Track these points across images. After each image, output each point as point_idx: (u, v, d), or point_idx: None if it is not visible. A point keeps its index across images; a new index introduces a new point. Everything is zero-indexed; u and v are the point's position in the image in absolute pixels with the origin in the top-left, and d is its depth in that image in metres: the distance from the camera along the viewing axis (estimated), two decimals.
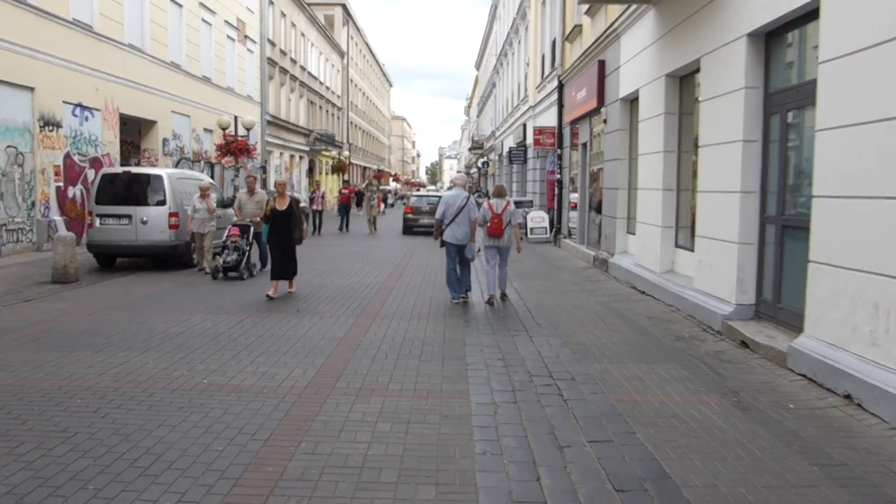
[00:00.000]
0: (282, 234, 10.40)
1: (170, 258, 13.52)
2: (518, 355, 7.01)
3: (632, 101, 13.36)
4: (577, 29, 17.58)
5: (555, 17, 21.59)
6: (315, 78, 44.40)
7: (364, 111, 67.93)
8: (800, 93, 7.01)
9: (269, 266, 12.60)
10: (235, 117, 22.94)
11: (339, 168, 44.07)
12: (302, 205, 25.30)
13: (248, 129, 22.61)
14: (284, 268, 10.51)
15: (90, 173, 16.97)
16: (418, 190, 70.52)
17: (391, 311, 9.36)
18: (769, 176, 7.71)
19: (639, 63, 12.08)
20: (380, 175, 65.98)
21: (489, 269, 10.27)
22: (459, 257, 10.17)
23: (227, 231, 12.70)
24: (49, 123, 15.58)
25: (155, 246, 13.20)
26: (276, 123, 34.59)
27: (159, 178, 13.37)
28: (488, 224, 10.05)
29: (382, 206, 38.21)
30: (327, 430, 4.75)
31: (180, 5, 22.97)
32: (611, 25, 13.70)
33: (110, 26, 18.28)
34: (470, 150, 77.05)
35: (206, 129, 25.09)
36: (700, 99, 9.19)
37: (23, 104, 14.81)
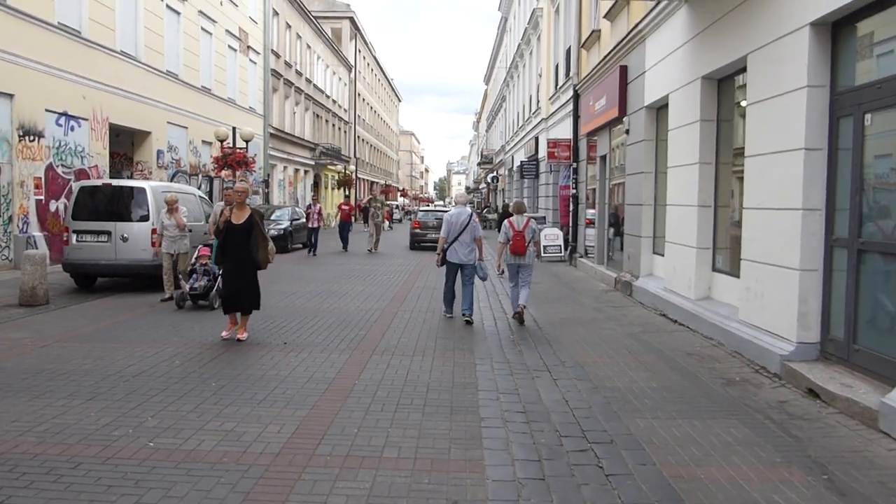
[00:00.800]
0: (237, 255, 8.24)
1: (153, 278, 12.25)
2: (542, 406, 5.81)
3: (658, 109, 12.20)
4: (595, 35, 16.46)
5: (569, 24, 20.50)
6: (321, 91, 43.49)
7: (372, 125, 67.05)
8: (883, 90, 5.82)
9: None
10: (234, 128, 21.89)
11: (344, 182, 42.93)
12: (299, 220, 23.16)
13: (246, 141, 21.54)
14: (237, 298, 8.26)
15: (76, 187, 15.86)
16: (428, 205, 69.50)
17: (392, 344, 8.17)
18: (838, 191, 6.51)
19: (668, 66, 10.92)
20: (387, 190, 64.77)
21: (512, 288, 9.97)
22: (463, 277, 9.94)
23: (196, 251, 11.15)
24: (30, 133, 14.53)
25: (136, 265, 12.05)
26: (280, 136, 33.60)
27: (142, 191, 12.24)
28: (510, 242, 9.68)
29: (387, 223, 36.84)
30: None
31: (178, 13, 22.03)
32: (634, 27, 12.57)
33: (101, 32, 17.28)
34: (479, 164, 75.99)
35: (204, 142, 24.05)
36: (746, 102, 8.00)
37: (0, 112, 13.76)
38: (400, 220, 53.87)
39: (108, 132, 17.72)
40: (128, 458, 4.42)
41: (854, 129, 6.24)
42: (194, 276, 10.72)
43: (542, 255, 19.94)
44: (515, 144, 37.23)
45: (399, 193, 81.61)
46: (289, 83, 35.66)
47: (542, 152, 25.51)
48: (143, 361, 7.03)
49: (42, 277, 10.76)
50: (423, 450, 4.71)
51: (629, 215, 13.43)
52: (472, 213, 10.07)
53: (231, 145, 21.22)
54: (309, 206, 23.16)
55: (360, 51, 56.81)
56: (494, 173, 54.41)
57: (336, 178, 44.62)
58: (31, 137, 14.57)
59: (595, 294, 13.15)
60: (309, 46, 40.23)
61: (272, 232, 22.21)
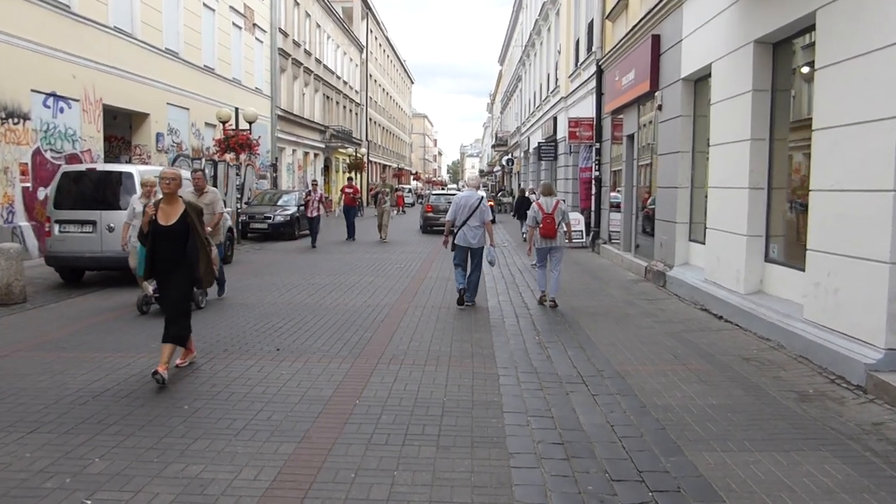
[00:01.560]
0: (167, 266, 6.00)
1: None
2: (582, 433, 4.74)
3: (696, 81, 11.01)
4: (623, 3, 15.20)
5: None
6: (332, 72, 42.27)
7: (384, 107, 65.74)
8: None
9: (226, 293, 10.39)
10: (237, 109, 20.79)
11: (355, 166, 41.74)
12: (290, 215, 21.01)
13: (250, 123, 20.44)
14: (168, 323, 6.05)
15: (59, 173, 14.87)
16: (441, 188, 68.23)
17: (401, 350, 7.11)
18: None
19: (711, 32, 9.71)
20: (400, 173, 63.45)
21: (539, 269, 10.02)
22: (472, 262, 9.76)
23: None
24: (13, 115, 13.50)
25: (124, 258, 10.97)
26: (288, 118, 32.48)
27: (130, 176, 11.20)
28: (540, 225, 9.67)
29: (395, 211, 35.28)
30: None
31: None
32: None
33: (92, 7, 16.20)
34: (493, 147, 74.51)
35: (207, 124, 22.99)
36: (816, 66, 6.81)
37: None
38: (412, 205, 52.68)
39: (101, 114, 16.68)
40: None
41: None
42: None
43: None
44: (532, 126, 35.92)
45: (412, 177, 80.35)
46: (297, 63, 34.48)
47: (561, 133, 24.26)
48: (110, 376, 6.01)
49: (18, 273, 9.79)
50: None
51: (661, 199, 12.26)
52: (482, 197, 9.85)
53: (234, 127, 20.13)
54: (308, 194, 20.44)
55: (371, 31, 55.44)
56: (509, 156, 53.06)
57: (347, 161, 43.48)
58: (16, 120, 13.55)
59: (624, 284, 12.02)
60: (318, 25, 38.98)
61: (278, 218, 21.18)
